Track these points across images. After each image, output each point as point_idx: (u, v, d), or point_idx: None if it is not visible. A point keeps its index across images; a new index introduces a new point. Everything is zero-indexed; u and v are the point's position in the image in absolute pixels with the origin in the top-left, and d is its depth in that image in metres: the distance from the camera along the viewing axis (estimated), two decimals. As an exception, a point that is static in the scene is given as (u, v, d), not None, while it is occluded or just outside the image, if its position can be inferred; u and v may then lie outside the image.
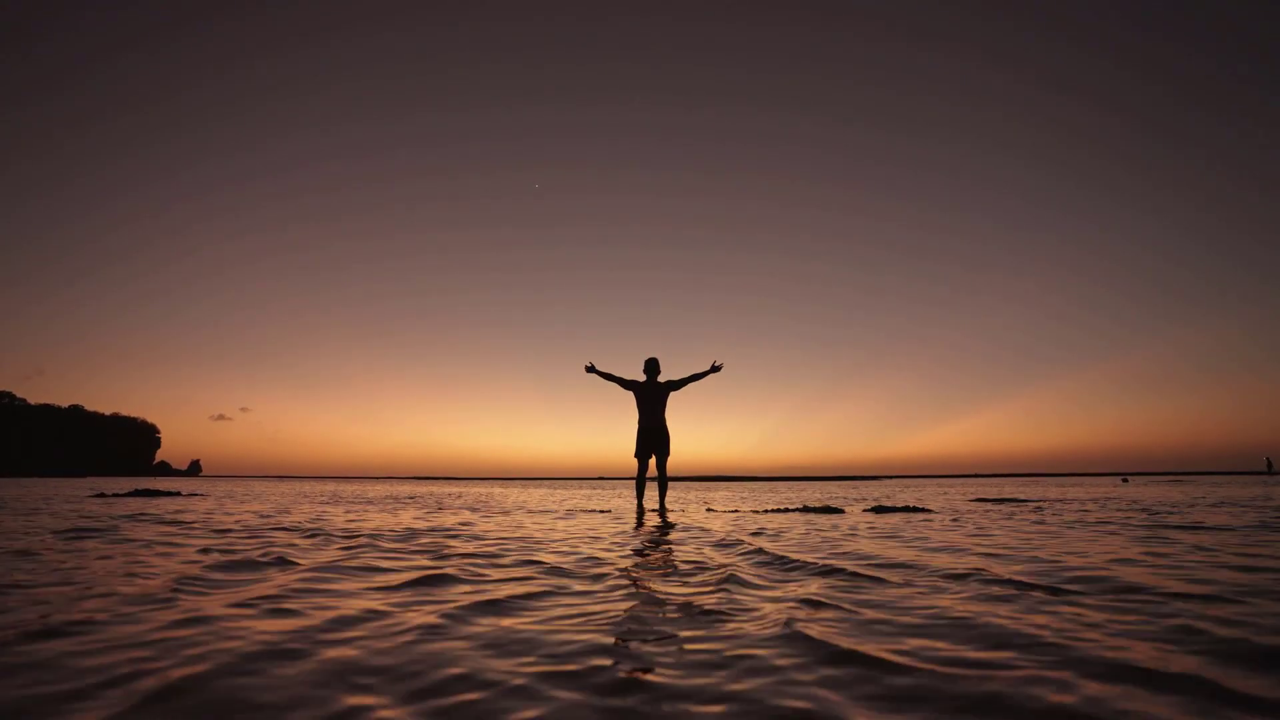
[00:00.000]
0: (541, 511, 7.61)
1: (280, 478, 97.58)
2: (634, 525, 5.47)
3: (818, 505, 8.36)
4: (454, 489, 21.21)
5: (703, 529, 4.99)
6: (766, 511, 7.41)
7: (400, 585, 2.48)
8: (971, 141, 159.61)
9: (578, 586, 2.44)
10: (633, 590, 2.35)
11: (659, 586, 2.42)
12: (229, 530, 4.75)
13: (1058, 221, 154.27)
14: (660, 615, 1.94)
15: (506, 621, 1.84)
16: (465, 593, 2.28)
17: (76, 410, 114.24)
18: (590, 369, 7.94)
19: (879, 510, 7.44)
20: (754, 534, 4.53)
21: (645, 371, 8.05)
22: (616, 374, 8.03)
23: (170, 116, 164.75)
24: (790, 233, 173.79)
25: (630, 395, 8.19)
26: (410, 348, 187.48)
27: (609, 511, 7.52)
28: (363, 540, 4.11)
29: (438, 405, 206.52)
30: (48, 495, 11.37)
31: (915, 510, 7.41)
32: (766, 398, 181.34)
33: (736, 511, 7.50)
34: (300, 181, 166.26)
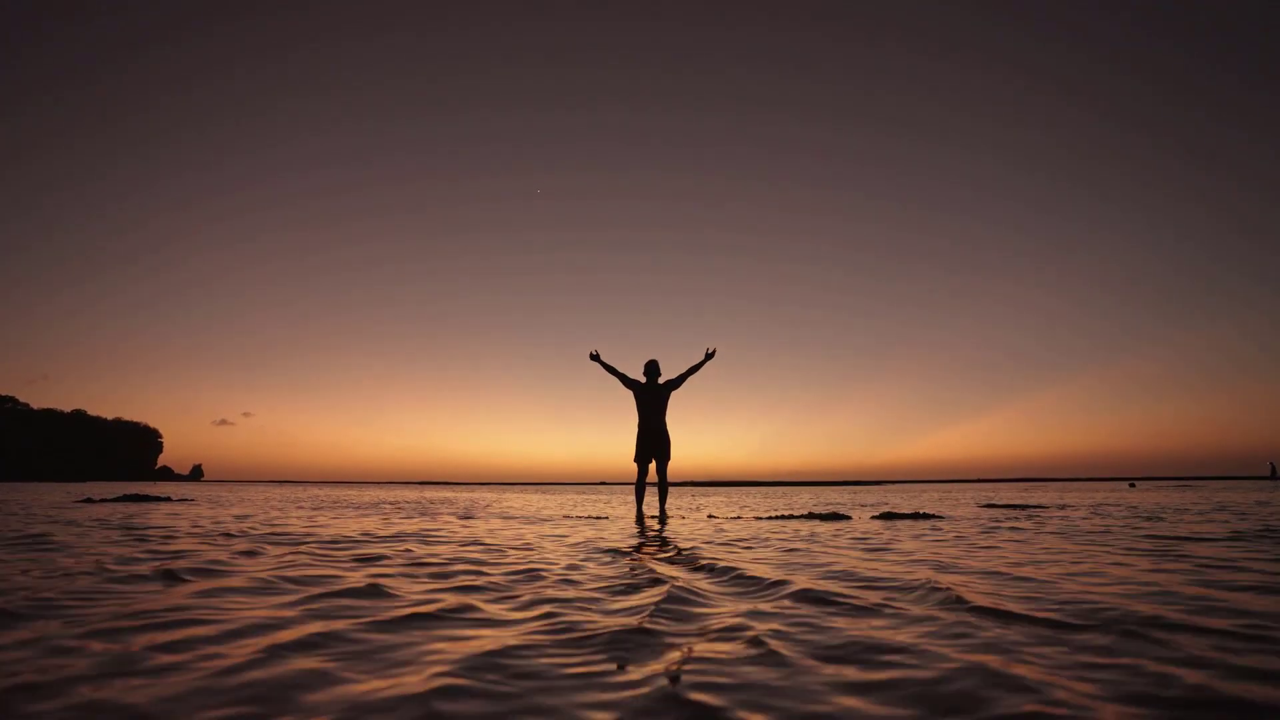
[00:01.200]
0: (520, 518, 7.30)
1: (281, 482, 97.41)
2: (623, 531, 5.16)
3: (824, 512, 8.02)
4: (453, 494, 20.92)
5: (687, 538, 4.68)
6: (771, 518, 7.09)
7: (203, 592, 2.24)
8: (975, 146, 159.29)
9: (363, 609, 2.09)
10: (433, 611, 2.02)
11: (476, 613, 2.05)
12: (170, 535, 4.45)
13: (1061, 226, 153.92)
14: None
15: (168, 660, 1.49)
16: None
17: (79, 415, 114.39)
18: (594, 357, 7.84)
19: (887, 517, 7.12)
20: (705, 546, 4.21)
21: (645, 374, 7.92)
22: (620, 369, 7.93)
23: (172, 119, 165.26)
24: (794, 237, 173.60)
25: (630, 396, 8.06)
26: (413, 352, 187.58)
27: (604, 518, 7.20)
28: (254, 544, 3.86)
29: (442, 410, 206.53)
30: (27, 501, 11.09)
31: (925, 517, 7.09)
32: (769, 402, 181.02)
33: (739, 518, 7.18)
34: (303, 186, 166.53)
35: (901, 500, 13.60)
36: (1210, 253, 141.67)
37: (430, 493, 23.65)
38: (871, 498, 15.71)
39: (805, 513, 7.97)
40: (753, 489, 39.82)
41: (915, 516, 7.13)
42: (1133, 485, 37.55)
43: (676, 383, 7.92)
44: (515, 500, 14.04)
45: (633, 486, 7.98)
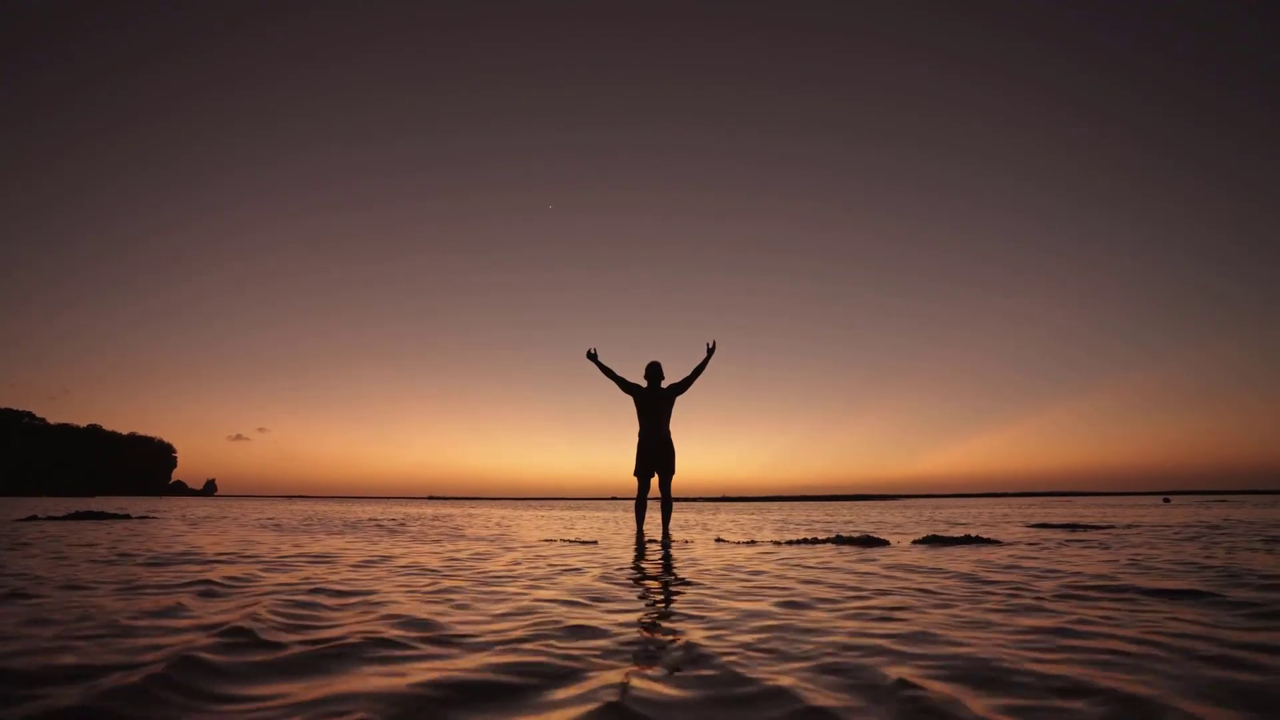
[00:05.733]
0: (484, 538, 6.23)
1: (292, 498, 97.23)
2: (628, 560, 4.09)
3: (853, 535, 6.83)
4: (455, 510, 19.94)
5: (677, 577, 3.60)
6: (790, 543, 5.97)
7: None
8: (993, 162, 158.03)
9: None
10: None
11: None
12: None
13: (1072, 241, 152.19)
14: None
15: None
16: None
17: (94, 429, 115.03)
18: (592, 356, 7.06)
19: (933, 542, 5.96)
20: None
21: (647, 377, 7.10)
22: (619, 373, 7.13)
23: (187, 132, 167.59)
24: (806, 252, 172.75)
25: (630, 401, 7.23)
26: (429, 367, 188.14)
27: (593, 543, 6.08)
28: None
29: (456, 425, 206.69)
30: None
31: (977, 541, 5.94)
32: (780, 416, 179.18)
33: (753, 543, 6.06)
34: (318, 200, 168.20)
35: (924, 516, 12.42)
36: (1231, 270, 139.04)
37: (438, 509, 22.67)
38: (894, 515, 14.47)
39: (831, 535, 6.83)
40: (767, 504, 38.47)
41: (966, 541, 5.99)
42: (1167, 500, 35.78)
43: (682, 386, 7.12)
44: (513, 519, 13.02)
45: (633, 503, 7.18)
